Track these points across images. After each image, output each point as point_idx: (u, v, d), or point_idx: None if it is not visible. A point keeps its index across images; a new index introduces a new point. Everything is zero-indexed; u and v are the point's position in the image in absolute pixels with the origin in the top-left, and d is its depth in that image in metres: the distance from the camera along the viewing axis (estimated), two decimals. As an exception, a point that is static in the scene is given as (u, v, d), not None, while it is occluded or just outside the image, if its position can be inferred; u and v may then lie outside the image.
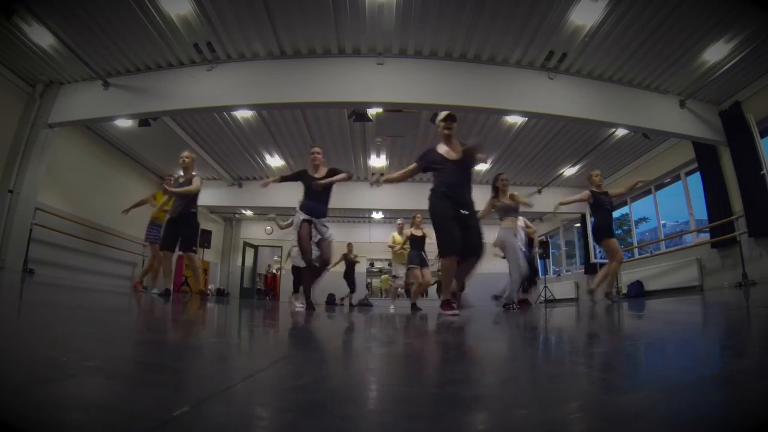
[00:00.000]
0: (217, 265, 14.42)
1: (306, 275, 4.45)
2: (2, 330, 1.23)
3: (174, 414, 0.49)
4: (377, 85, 6.13)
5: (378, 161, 9.75)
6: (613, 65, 6.26)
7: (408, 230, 6.85)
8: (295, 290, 5.92)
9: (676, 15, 5.10)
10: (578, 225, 11.74)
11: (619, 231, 11.16)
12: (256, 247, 15.11)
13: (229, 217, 14.72)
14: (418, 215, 6.76)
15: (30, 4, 5.06)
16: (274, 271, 16.01)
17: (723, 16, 5.10)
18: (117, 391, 0.62)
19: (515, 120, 7.57)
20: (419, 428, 0.51)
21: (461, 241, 3.35)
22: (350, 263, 10.59)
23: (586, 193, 5.58)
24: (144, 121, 7.04)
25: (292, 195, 10.55)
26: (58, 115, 6.62)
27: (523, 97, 6.30)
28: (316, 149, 4.67)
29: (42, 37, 5.62)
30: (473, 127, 8.03)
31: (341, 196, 11.08)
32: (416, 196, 10.35)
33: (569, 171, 9.96)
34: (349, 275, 10.63)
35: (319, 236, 4.36)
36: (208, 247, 12.98)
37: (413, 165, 3.78)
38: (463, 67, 6.21)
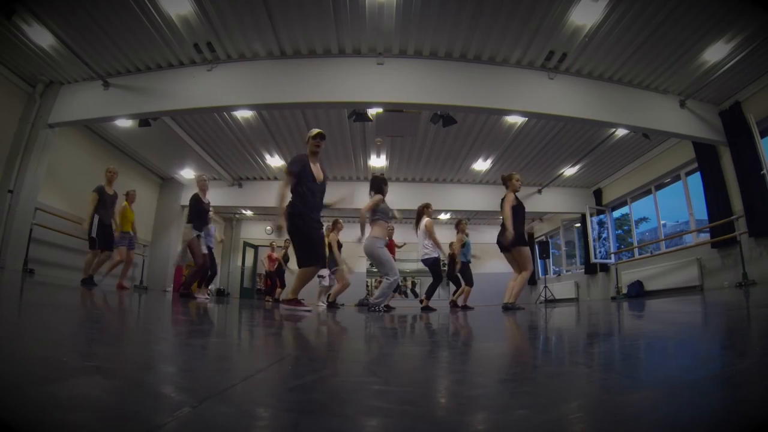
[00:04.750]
0: (217, 265, 14.41)
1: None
2: (2, 330, 1.23)
3: (174, 414, 0.49)
4: (377, 85, 6.13)
5: (378, 161, 9.76)
6: (613, 65, 6.25)
7: (334, 235, 6.99)
8: (199, 285, 6.73)
9: (676, 15, 5.10)
10: (578, 225, 11.74)
11: (620, 231, 11.16)
12: (256, 247, 15.10)
13: (229, 217, 14.71)
14: (340, 221, 7.25)
15: (30, 4, 5.05)
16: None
17: (723, 16, 5.10)
18: (117, 391, 0.62)
19: (515, 120, 7.57)
20: (419, 428, 0.51)
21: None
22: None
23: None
24: (144, 121, 7.03)
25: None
26: (58, 115, 6.61)
27: (523, 97, 6.29)
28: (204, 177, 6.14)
29: (42, 37, 5.62)
30: (473, 126, 8.04)
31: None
32: (417, 196, 10.38)
33: (569, 171, 9.96)
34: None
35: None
36: (209, 247, 12.97)
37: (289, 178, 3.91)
38: (463, 67, 6.21)
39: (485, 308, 6.76)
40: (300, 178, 3.85)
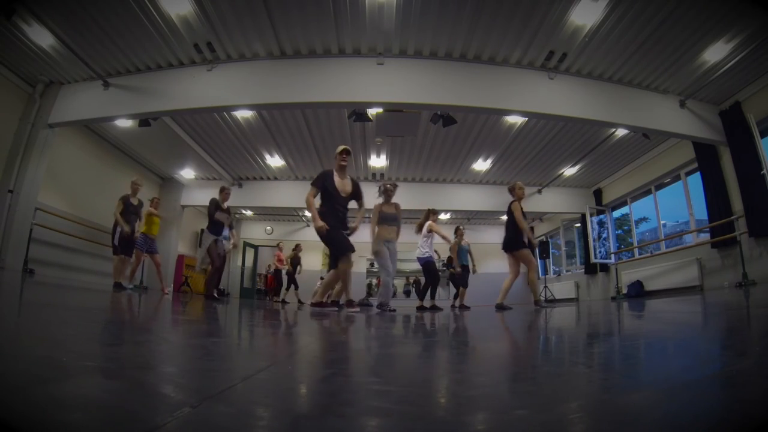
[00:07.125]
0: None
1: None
2: (2, 330, 1.23)
3: (174, 414, 0.49)
4: (377, 85, 6.12)
5: (378, 161, 9.76)
6: (613, 65, 6.25)
7: None
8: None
9: (676, 15, 5.10)
10: (578, 225, 11.74)
11: (620, 231, 11.15)
12: (256, 247, 15.12)
13: (229, 217, 14.72)
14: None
15: (30, 4, 5.05)
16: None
17: (723, 16, 5.10)
18: (117, 391, 0.62)
19: (515, 120, 7.56)
20: (420, 428, 0.51)
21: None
22: (296, 263, 10.87)
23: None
24: (144, 121, 7.03)
25: (292, 195, 10.62)
26: (58, 115, 6.61)
27: (523, 97, 6.29)
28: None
29: (42, 37, 5.62)
30: (473, 126, 8.04)
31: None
32: (417, 196, 10.39)
33: (569, 171, 9.96)
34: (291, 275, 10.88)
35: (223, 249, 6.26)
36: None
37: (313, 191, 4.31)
38: (463, 67, 6.21)
39: (484, 308, 6.76)
40: (325, 192, 4.27)
